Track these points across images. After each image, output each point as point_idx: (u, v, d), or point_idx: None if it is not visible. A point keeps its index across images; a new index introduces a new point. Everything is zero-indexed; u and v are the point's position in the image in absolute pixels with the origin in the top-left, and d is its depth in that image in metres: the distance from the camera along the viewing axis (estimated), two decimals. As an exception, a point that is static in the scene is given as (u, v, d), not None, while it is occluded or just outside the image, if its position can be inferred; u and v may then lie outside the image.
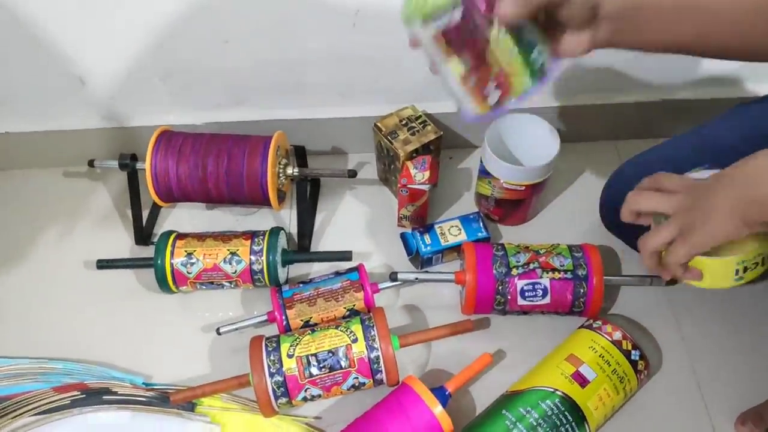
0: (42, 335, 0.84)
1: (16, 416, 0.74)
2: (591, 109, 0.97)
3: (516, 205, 0.89)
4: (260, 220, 0.95)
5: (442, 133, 0.88)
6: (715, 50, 0.63)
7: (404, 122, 0.89)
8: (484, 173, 0.87)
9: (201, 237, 0.84)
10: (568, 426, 0.67)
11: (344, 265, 0.85)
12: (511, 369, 0.78)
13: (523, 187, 0.85)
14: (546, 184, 0.88)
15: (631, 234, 0.87)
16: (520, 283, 0.79)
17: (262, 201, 0.84)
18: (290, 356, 0.72)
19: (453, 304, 0.86)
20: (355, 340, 0.73)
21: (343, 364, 0.72)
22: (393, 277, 0.82)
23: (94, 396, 0.76)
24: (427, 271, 0.87)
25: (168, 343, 0.83)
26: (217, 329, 0.80)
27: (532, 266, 0.80)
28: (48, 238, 0.94)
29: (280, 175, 0.85)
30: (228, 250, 0.82)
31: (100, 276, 0.88)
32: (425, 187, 0.84)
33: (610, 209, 0.87)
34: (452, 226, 0.88)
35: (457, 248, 0.87)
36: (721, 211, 0.55)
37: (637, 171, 0.83)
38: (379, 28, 0.83)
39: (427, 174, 0.84)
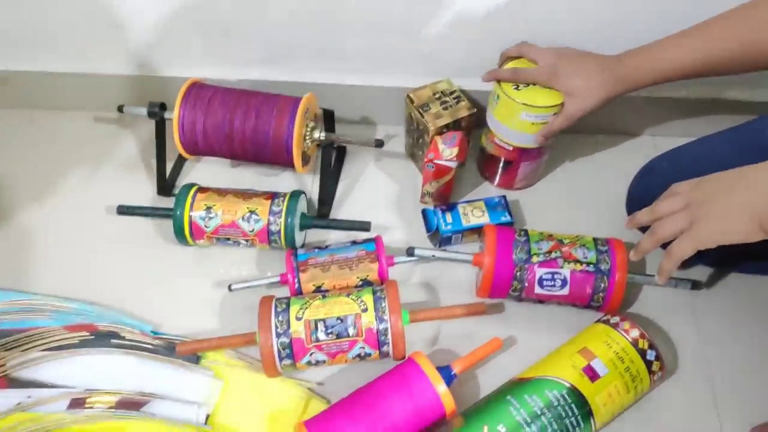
0: (58, 274, 0.85)
1: (26, 349, 0.75)
2: (635, 102, 0.93)
3: (505, 167, 0.89)
4: (283, 182, 0.95)
5: (475, 110, 0.86)
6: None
7: (438, 96, 0.86)
8: (485, 123, 0.87)
9: (222, 192, 0.83)
10: (573, 419, 0.65)
11: (362, 236, 0.84)
12: (521, 357, 0.76)
13: (511, 148, 0.84)
14: (539, 156, 0.87)
15: None
16: (540, 271, 0.77)
17: (286, 162, 0.83)
18: (299, 319, 0.72)
19: (468, 287, 0.84)
20: (365, 310, 0.72)
21: (350, 332, 0.71)
22: (410, 252, 0.81)
23: (102, 338, 0.77)
24: (445, 250, 0.86)
25: (180, 295, 0.83)
26: (229, 286, 0.80)
27: (553, 255, 0.77)
28: (73, 180, 0.95)
29: (307, 138, 0.83)
30: (247, 208, 0.81)
31: (120, 222, 0.88)
32: (452, 164, 0.82)
33: (636, 205, 0.84)
34: (475, 208, 0.86)
35: (478, 230, 0.85)
36: (739, 213, 0.56)
37: (668, 167, 0.80)
38: (422, -4, 0.81)
39: (455, 150, 0.82)
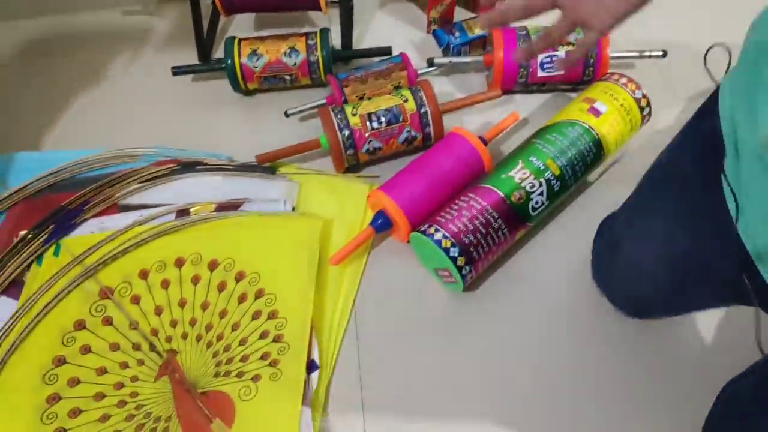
0: (130, 135, 0.96)
1: (126, 183, 0.88)
2: None
3: None
4: (305, 37, 1.08)
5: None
6: None
7: (431, -71, 1.00)
8: None
9: (262, 38, 0.96)
10: (587, 145, 0.82)
11: (386, 61, 0.98)
12: (535, 129, 0.93)
13: None
14: None
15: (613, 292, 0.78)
16: (540, 56, 0.93)
17: (312, 3, 0.96)
18: (354, 115, 0.86)
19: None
20: (405, 101, 0.87)
21: (398, 118, 0.86)
22: (430, 61, 0.96)
23: (189, 167, 0.90)
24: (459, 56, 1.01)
25: (241, 136, 0.96)
26: (285, 111, 0.94)
27: (549, 44, 0.93)
28: (122, 66, 1.06)
29: (325, -21, 0.96)
30: (287, 45, 0.95)
31: (174, 86, 1.01)
32: (453, -17, 0.97)
33: (603, 282, 0.79)
34: (476, 23, 1.01)
35: (482, 41, 1.00)
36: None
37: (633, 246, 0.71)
38: None
39: (454, -30, 0.96)
